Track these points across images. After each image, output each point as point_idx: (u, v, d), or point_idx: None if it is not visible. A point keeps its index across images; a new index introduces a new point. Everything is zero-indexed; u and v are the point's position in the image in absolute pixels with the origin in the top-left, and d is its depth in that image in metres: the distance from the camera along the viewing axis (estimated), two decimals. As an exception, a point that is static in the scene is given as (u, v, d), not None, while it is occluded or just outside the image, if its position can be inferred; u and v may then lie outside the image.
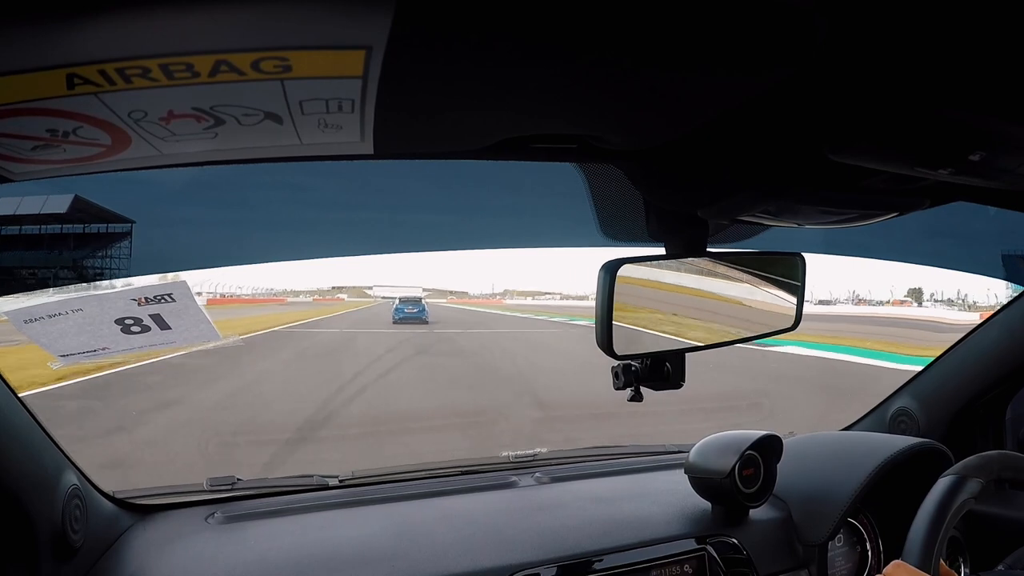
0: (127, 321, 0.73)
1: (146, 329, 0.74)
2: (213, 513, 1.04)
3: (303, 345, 11.55)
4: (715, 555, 1.03)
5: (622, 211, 0.88)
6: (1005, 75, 0.49)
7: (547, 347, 12.54)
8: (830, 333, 11.64)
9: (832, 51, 0.45)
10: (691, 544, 1.03)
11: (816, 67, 0.47)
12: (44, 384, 5.68)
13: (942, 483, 0.75)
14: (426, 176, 0.93)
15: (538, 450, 1.33)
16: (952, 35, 0.45)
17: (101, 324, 0.72)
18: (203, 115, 0.46)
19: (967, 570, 1.18)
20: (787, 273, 0.88)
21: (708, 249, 0.81)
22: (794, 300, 0.88)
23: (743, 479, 1.07)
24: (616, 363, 0.80)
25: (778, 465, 1.12)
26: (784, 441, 1.12)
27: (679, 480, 1.12)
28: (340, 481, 1.18)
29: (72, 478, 0.88)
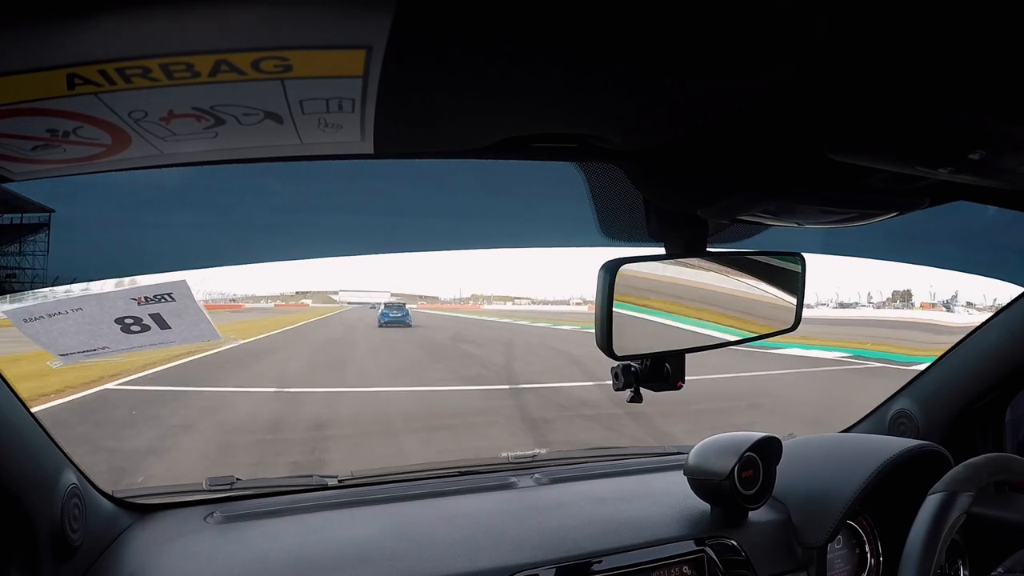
0: (127, 320, 0.73)
1: (146, 328, 0.74)
2: (212, 513, 1.04)
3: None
4: (714, 557, 1.03)
5: (622, 211, 0.88)
6: (1005, 74, 0.49)
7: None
8: (889, 341, 10.65)
9: (832, 51, 0.45)
10: (690, 545, 1.03)
11: (816, 67, 0.48)
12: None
13: (932, 502, 0.74)
14: (423, 177, 0.92)
15: (538, 451, 1.33)
16: (952, 34, 0.45)
17: (101, 323, 0.72)
18: (203, 115, 0.46)
19: (966, 573, 1.18)
20: (787, 273, 0.88)
21: (708, 249, 0.81)
22: (794, 300, 0.88)
23: (742, 481, 1.07)
24: (616, 364, 0.80)
25: (777, 467, 1.11)
26: (783, 443, 1.12)
27: (678, 481, 1.12)
28: (339, 481, 1.18)
29: (71, 477, 0.88)
